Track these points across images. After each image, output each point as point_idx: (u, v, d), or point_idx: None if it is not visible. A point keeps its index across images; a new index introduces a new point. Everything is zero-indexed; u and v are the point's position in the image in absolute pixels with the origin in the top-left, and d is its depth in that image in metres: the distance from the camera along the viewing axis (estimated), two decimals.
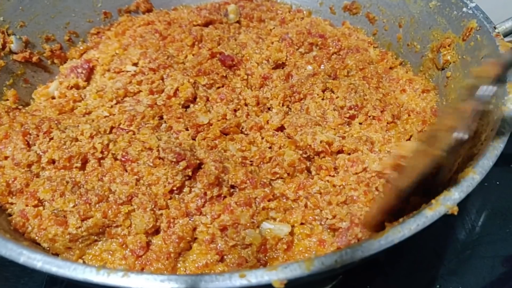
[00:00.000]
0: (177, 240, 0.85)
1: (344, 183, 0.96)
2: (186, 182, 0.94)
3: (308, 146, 1.01)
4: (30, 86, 1.26)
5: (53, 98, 1.20)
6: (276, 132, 1.09)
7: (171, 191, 0.92)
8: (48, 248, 0.86)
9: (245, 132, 1.10)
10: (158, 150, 0.95)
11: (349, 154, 1.01)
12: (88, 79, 1.25)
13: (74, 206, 0.86)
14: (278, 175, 0.98)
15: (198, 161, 0.95)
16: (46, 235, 0.84)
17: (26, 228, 0.86)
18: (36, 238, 0.85)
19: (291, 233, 0.90)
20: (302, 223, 0.92)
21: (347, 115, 1.08)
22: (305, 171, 1.01)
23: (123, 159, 0.95)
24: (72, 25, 1.38)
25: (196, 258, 0.86)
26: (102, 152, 0.97)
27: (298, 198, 0.95)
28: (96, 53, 1.32)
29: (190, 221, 0.89)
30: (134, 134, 1.03)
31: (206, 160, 0.96)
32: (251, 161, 1.02)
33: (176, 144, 0.97)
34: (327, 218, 0.90)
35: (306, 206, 0.94)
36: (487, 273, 1.13)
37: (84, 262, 0.86)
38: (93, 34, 1.43)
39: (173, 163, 0.92)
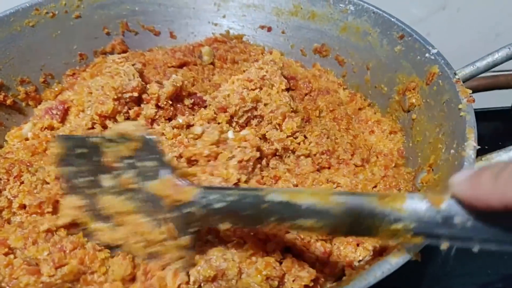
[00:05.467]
0: None
1: None
2: None
3: None
4: (4, 128, 1.25)
5: (27, 139, 1.19)
6: None
7: None
8: None
9: None
10: None
11: None
12: (63, 120, 1.24)
13: (48, 254, 0.84)
14: None
15: None
16: (18, 285, 0.81)
17: None
18: (7, 287, 0.83)
19: None
20: None
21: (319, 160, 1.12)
22: None
23: None
24: (48, 67, 1.38)
25: None
26: None
27: None
28: (71, 94, 1.31)
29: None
30: None
31: None
32: None
33: None
34: None
35: None
36: None
37: None
38: (68, 75, 1.43)
39: None
